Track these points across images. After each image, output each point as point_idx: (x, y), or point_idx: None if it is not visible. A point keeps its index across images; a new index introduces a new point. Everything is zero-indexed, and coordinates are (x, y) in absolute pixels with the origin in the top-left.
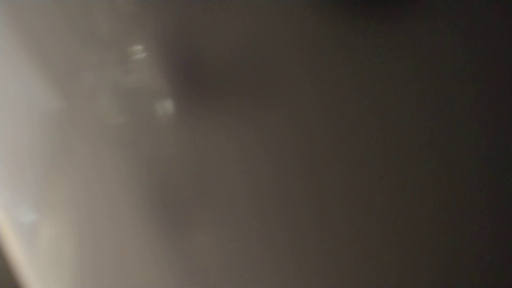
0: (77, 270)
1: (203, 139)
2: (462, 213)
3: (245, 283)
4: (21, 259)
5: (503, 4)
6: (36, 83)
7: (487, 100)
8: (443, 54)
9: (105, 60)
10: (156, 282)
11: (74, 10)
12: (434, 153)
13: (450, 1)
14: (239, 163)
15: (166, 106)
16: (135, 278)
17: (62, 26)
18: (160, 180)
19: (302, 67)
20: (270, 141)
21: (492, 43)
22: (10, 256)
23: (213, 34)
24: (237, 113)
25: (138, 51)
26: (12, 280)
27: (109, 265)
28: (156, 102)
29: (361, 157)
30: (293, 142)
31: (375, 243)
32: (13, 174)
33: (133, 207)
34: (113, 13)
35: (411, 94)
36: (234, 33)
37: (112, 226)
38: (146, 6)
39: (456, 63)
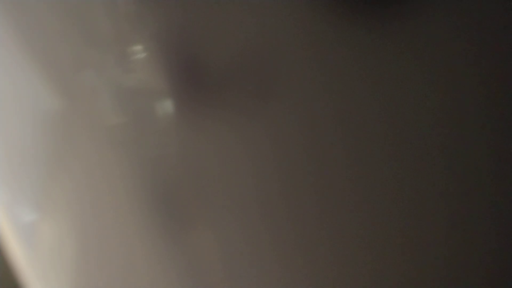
0: (78, 269)
1: (206, 137)
2: (470, 214)
3: (249, 280)
4: (21, 259)
5: (504, 2)
6: (37, 83)
7: (491, 99)
8: (445, 52)
9: (105, 60)
10: (159, 280)
11: (74, 9)
12: (436, 149)
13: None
14: (243, 159)
15: (168, 105)
16: (137, 276)
17: (62, 26)
18: (163, 179)
19: (305, 62)
20: (274, 136)
21: (494, 41)
22: (10, 256)
23: (214, 32)
24: (239, 109)
25: (138, 50)
26: (12, 280)
27: (110, 264)
28: (157, 101)
29: (367, 153)
30: (297, 137)
31: (381, 242)
32: (14, 173)
33: (136, 206)
34: (113, 13)
35: (413, 91)
36: (235, 30)
37: (114, 225)
38: (146, 6)
39: (459, 61)
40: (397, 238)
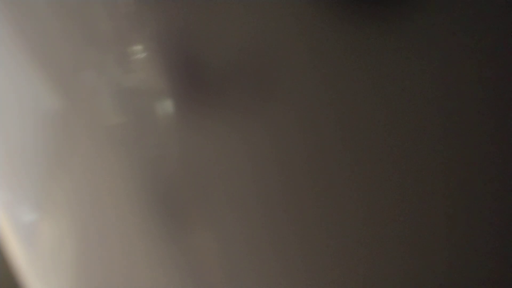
0: (79, 269)
1: (206, 137)
2: (471, 214)
3: (249, 281)
4: (21, 259)
5: (504, 2)
6: (38, 82)
7: (492, 98)
8: (446, 52)
9: (105, 60)
10: (159, 280)
11: (75, 9)
12: (436, 148)
13: None
14: (243, 159)
15: (168, 105)
16: (138, 277)
17: (62, 26)
18: (163, 179)
19: (305, 62)
20: (274, 136)
21: (494, 40)
22: (10, 256)
23: (214, 32)
24: (239, 109)
25: (139, 50)
26: (12, 280)
27: (111, 264)
28: (158, 101)
29: (367, 153)
30: (297, 137)
31: (382, 242)
32: (14, 173)
33: (136, 206)
34: (113, 13)
35: (413, 91)
36: (235, 30)
37: (114, 224)
38: (146, 6)
39: (459, 60)
40: (398, 238)
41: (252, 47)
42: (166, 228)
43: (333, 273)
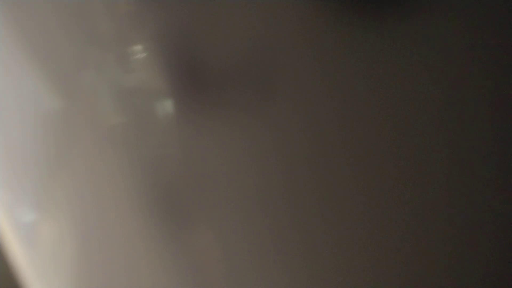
0: (79, 269)
1: (207, 136)
2: (472, 214)
3: (250, 280)
4: (22, 259)
5: (504, 2)
6: (38, 82)
7: (492, 98)
8: (446, 52)
9: (106, 60)
10: (160, 279)
11: (75, 9)
12: (436, 149)
13: None
14: (244, 159)
15: (168, 105)
16: (138, 276)
17: (63, 26)
18: (164, 178)
19: (305, 62)
20: (275, 135)
21: (494, 40)
22: (10, 256)
23: (215, 31)
24: (240, 109)
25: (139, 50)
26: (12, 280)
27: (111, 263)
28: (158, 100)
29: (368, 152)
30: (299, 136)
31: (383, 242)
32: (15, 173)
33: (137, 205)
34: (114, 13)
35: (413, 91)
36: (236, 29)
37: (115, 224)
38: (146, 6)
39: (459, 60)
40: (399, 238)
41: (252, 47)
42: (166, 228)
43: (333, 273)
